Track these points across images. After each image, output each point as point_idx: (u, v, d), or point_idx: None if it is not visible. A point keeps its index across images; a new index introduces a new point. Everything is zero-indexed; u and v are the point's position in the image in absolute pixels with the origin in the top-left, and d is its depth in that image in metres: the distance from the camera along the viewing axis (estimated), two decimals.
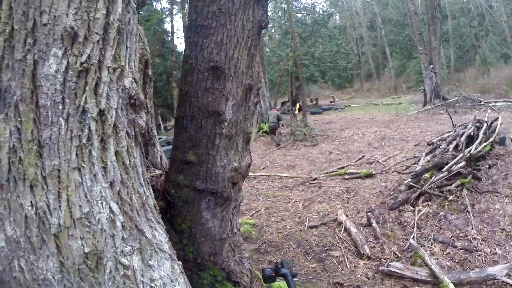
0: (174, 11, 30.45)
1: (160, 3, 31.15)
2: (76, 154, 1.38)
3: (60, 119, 1.34)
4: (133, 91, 1.57)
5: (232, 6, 2.39)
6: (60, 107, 1.34)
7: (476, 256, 4.20)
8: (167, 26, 30.84)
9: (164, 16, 29.14)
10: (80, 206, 1.40)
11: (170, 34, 30.62)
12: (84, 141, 1.39)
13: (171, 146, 9.07)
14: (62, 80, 1.33)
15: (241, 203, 2.95)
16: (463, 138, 6.83)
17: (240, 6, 2.41)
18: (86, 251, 1.40)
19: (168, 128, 26.87)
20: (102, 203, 1.45)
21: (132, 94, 1.56)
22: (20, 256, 1.38)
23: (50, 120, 1.33)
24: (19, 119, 1.31)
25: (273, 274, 1.99)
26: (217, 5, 2.38)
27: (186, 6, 27.74)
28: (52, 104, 1.33)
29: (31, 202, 1.35)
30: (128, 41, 1.58)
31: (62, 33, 1.32)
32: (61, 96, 1.34)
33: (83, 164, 1.40)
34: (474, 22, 39.92)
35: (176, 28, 39.01)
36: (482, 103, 18.80)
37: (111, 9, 1.47)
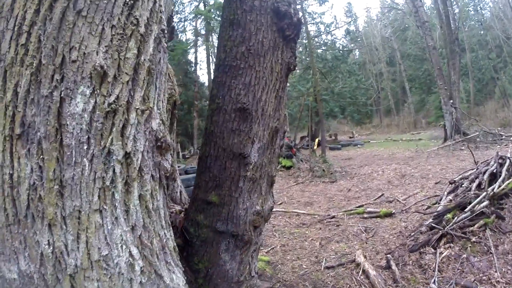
0: (199, 42, 31.34)
1: (185, 34, 32.04)
2: (99, 196, 1.34)
3: (84, 159, 1.31)
4: (160, 134, 1.53)
5: (262, 48, 2.38)
6: (85, 147, 1.31)
7: None
8: (191, 57, 31.66)
9: (189, 47, 29.89)
10: (99, 248, 1.35)
11: (193, 65, 31.40)
12: (107, 183, 1.35)
13: (188, 176, 8.96)
14: (88, 120, 1.30)
15: (261, 246, 2.85)
16: (485, 176, 6.61)
17: (269, 47, 2.40)
18: None
19: (187, 156, 27.02)
20: (122, 246, 1.40)
21: (159, 137, 1.53)
22: None
23: (73, 160, 1.29)
24: (41, 156, 1.28)
25: None
26: (246, 45, 2.37)
27: (210, 38, 28.50)
28: (77, 144, 1.30)
29: (48, 240, 1.31)
30: (157, 81, 1.56)
31: (91, 72, 1.30)
32: (87, 136, 1.31)
33: (105, 207, 1.36)
34: (493, 54, 39.85)
35: (200, 60, 39.97)
36: (504, 137, 18.44)
37: (142, 49, 1.45)
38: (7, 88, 1.27)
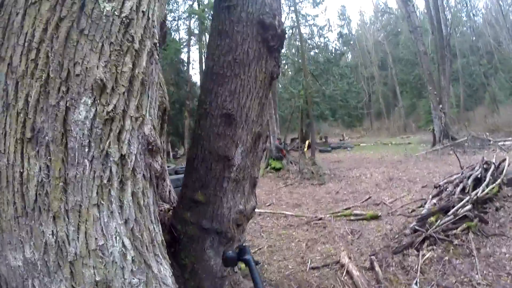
0: (192, 42, 31.33)
1: (179, 33, 32.04)
2: (97, 193, 1.51)
3: (86, 160, 1.48)
4: (152, 138, 1.72)
5: (247, 57, 2.56)
6: (86, 150, 1.48)
7: None
8: (184, 56, 31.60)
9: (182, 46, 29.85)
10: (96, 238, 1.51)
11: (186, 64, 31.34)
12: (105, 181, 1.53)
13: (178, 176, 9.00)
14: (89, 126, 1.48)
15: (244, 243, 3.03)
16: (470, 181, 6.78)
17: (254, 57, 2.58)
18: (97, 279, 1.50)
19: (178, 156, 27.01)
20: (116, 237, 1.57)
21: (151, 141, 1.71)
22: (35, 277, 1.48)
23: (76, 161, 1.47)
24: (49, 157, 1.44)
25: (236, 258, 1.84)
26: (232, 55, 2.55)
27: (204, 38, 28.54)
28: (79, 147, 1.47)
29: (52, 231, 1.46)
30: (149, 91, 1.74)
31: (93, 84, 1.48)
32: (88, 141, 1.48)
33: (102, 202, 1.53)
34: (483, 60, 40.27)
35: (192, 59, 39.81)
36: (491, 142, 18.67)
37: (136, 63, 1.63)
38: (19, 97, 1.42)
